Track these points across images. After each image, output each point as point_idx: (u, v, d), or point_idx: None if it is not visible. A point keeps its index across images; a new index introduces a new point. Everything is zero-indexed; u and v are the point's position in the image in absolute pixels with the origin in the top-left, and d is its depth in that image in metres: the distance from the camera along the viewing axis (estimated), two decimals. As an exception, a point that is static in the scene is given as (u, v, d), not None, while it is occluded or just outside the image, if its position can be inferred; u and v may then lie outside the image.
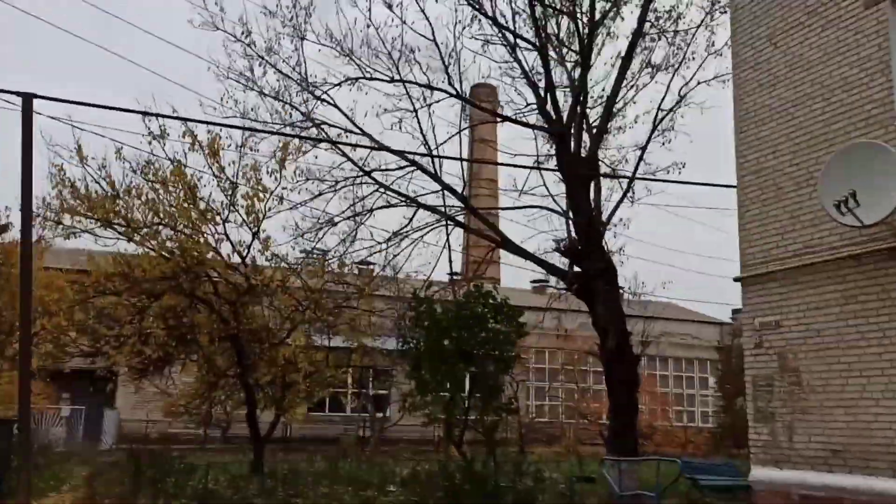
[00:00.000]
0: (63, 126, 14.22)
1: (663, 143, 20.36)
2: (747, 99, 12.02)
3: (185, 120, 12.89)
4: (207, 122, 13.97)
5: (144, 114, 11.96)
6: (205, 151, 14.75)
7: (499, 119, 19.91)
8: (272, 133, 16.16)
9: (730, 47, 12.85)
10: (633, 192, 20.24)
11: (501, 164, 23.59)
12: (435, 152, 18.26)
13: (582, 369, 41.11)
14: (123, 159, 14.75)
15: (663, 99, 19.80)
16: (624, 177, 18.98)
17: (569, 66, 19.60)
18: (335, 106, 18.16)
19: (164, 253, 15.15)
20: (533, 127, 19.10)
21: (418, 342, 16.15)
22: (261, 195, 15.28)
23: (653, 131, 19.80)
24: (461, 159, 17.59)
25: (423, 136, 17.86)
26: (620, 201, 19.73)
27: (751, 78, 12.00)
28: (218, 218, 15.28)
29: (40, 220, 15.97)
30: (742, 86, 12.14)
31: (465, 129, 18.47)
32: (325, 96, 17.57)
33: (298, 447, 32.69)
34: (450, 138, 18.59)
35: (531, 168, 18.47)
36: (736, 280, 11.80)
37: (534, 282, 48.46)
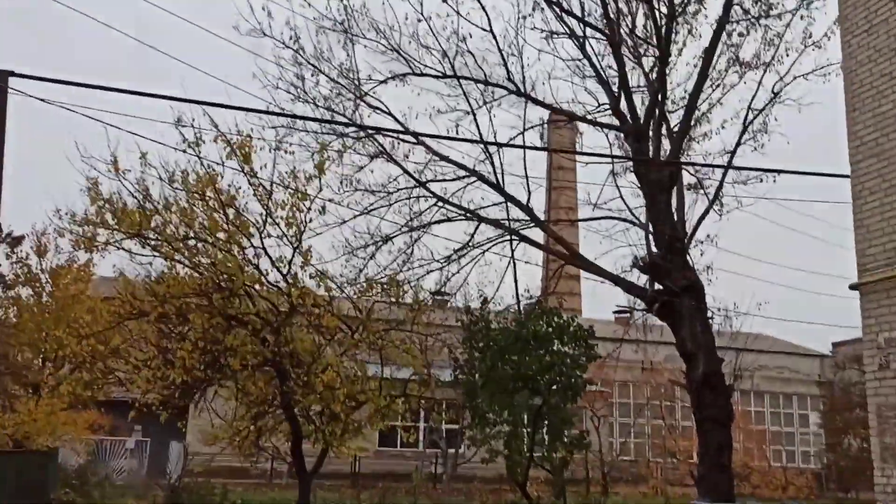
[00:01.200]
0: (93, 130, 13.14)
1: (755, 148, 18.34)
2: (861, 70, 9.97)
3: (218, 106, 11.56)
4: (242, 108, 12.67)
5: (162, 97, 10.67)
6: (236, 155, 13.48)
7: (567, 119, 18.14)
8: (318, 120, 15.05)
9: (836, 17, 10.88)
10: (721, 203, 18.28)
11: (574, 152, 21.69)
12: (496, 161, 16.64)
13: (669, 404, 38.50)
14: (149, 165, 13.60)
15: (754, 97, 17.89)
16: (710, 165, 16.97)
17: (645, 63, 17.86)
18: (388, 112, 16.80)
19: (196, 270, 13.93)
20: (606, 127, 17.30)
21: (472, 367, 14.39)
22: (301, 205, 13.92)
23: (742, 133, 17.94)
24: (524, 147, 15.84)
25: (483, 139, 16.20)
26: (706, 212, 17.87)
27: (864, 44, 9.97)
28: (254, 230, 13.98)
29: (76, 236, 15.09)
30: (854, 55, 10.12)
31: (528, 129, 16.76)
32: (371, 97, 16.27)
33: (368, 483, 31.22)
34: (513, 139, 16.74)
35: (610, 158, 16.55)
36: (852, 288, 9.66)
37: (616, 310, 45.89)
